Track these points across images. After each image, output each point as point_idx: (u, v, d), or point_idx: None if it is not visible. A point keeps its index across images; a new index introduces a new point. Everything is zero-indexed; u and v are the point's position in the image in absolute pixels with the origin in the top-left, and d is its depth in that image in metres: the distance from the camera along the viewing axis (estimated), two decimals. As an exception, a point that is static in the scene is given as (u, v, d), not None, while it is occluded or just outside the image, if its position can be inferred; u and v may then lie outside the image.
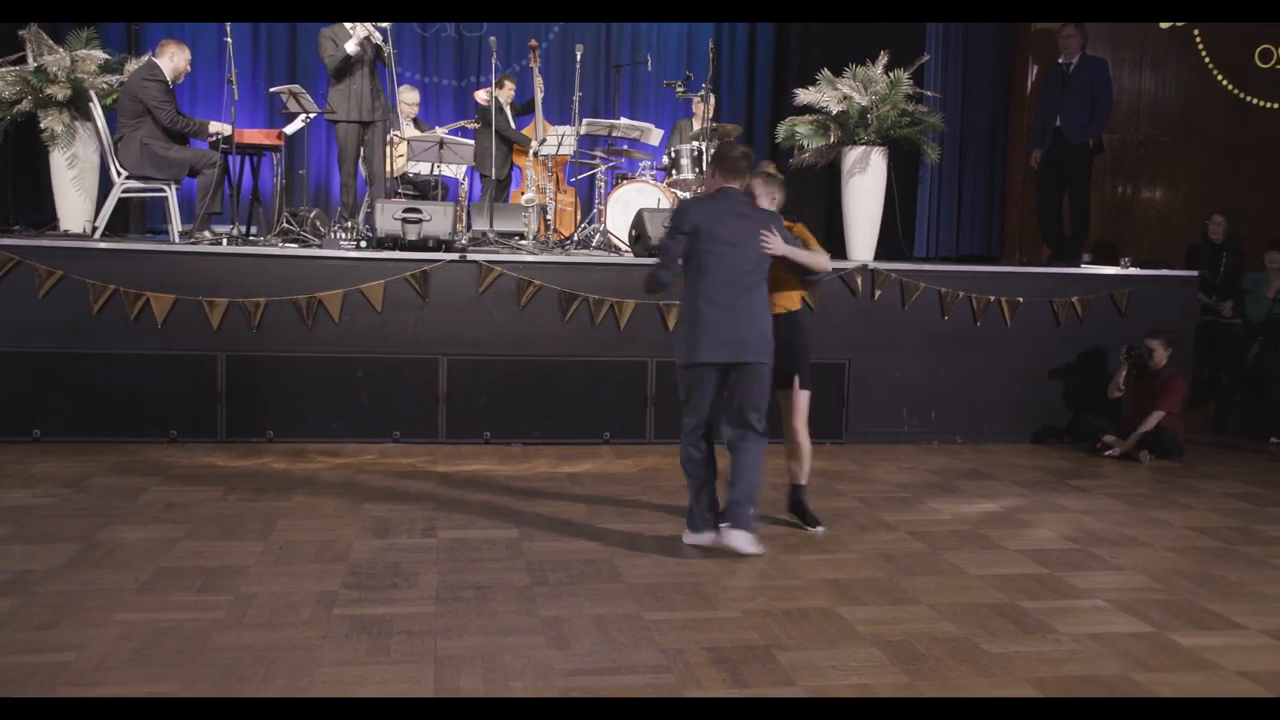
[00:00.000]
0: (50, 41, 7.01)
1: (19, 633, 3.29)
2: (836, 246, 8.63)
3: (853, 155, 7.24)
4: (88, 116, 7.04)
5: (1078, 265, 7.61)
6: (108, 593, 3.65)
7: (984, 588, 4.05)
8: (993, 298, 6.92)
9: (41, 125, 6.99)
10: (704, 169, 8.04)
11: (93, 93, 6.98)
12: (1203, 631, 3.67)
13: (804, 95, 7.27)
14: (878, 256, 7.35)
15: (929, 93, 7.80)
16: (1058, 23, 8.14)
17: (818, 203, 10.45)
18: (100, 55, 7.09)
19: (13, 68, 6.98)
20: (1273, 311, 7.72)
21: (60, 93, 6.88)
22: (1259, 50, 9.06)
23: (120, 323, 5.99)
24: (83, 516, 4.54)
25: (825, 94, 7.15)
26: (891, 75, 7.11)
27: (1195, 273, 7.50)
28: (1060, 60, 7.96)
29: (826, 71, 7.27)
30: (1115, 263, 7.66)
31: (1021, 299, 6.96)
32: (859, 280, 6.78)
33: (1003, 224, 9.96)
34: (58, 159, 7.15)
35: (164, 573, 3.88)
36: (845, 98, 7.08)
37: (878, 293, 6.81)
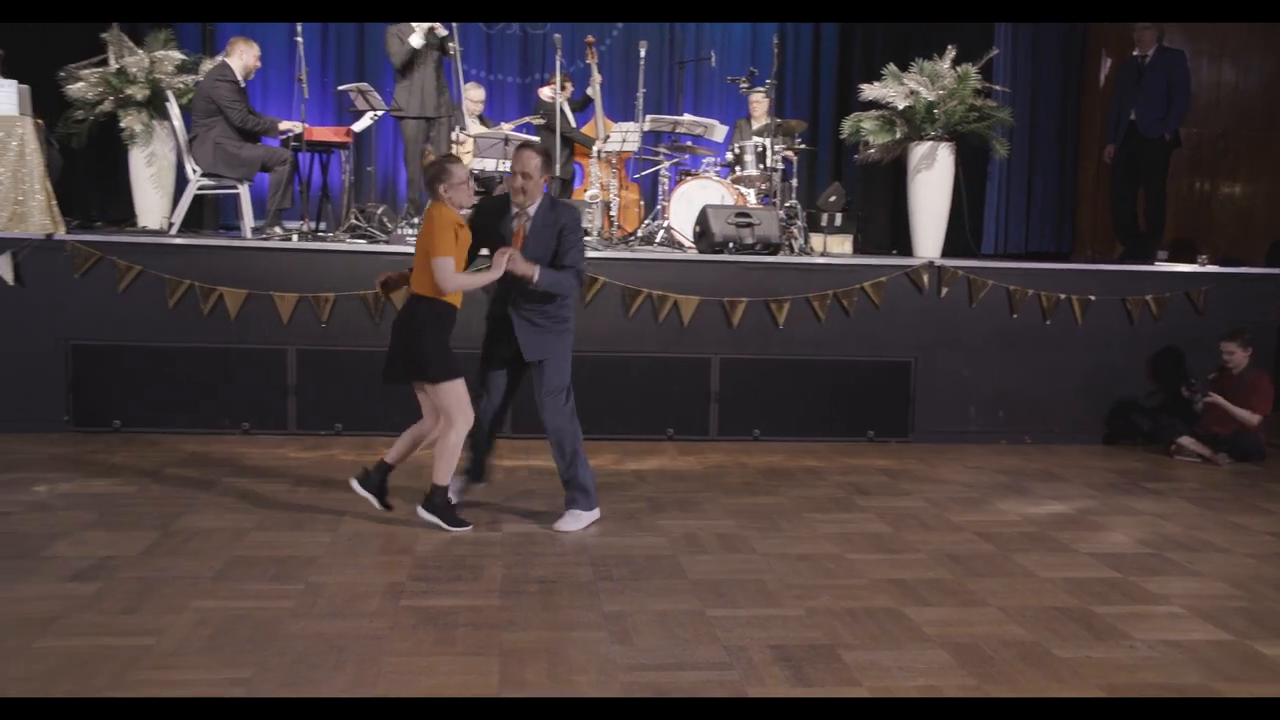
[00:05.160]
0: (130, 43, 7.21)
1: (103, 616, 3.39)
2: (902, 243, 8.56)
3: (919, 151, 7.15)
4: (165, 116, 7.23)
5: (1153, 262, 7.43)
6: (185, 580, 3.75)
7: (1054, 591, 3.97)
8: (1063, 295, 6.78)
9: (121, 125, 7.20)
10: (768, 165, 8.00)
11: (170, 92, 7.16)
12: (1284, 640, 3.56)
13: (869, 90, 7.20)
14: (944, 254, 7.26)
15: (998, 87, 7.68)
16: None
17: (883, 199, 10.35)
18: (177, 56, 7.28)
19: (95, 69, 7.19)
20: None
21: (139, 93, 7.08)
22: (1345, 40, 8.78)
23: (195, 317, 6.13)
24: (161, 505, 4.67)
25: (891, 89, 7.07)
26: (959, 70, 7.01)
27: (1277, 270, 7.27)
28: (1135, 53, 7.79)
29: (892, 66, 7.20)
30: (1192, 260, 7.47)
31: (1093, 297, 6.82)
32: (925, 278, 6.69)
33: (1074, 220, 9.76)
34: (137, 157, 7.35)
35: (237, 561, 3.97)
36: (911, 93, 7.00)
37: (944, 290, 6.71)
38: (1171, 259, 7.90)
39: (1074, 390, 6.85)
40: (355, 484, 4.61)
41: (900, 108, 7.04)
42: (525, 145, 4.50)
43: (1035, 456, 6.46)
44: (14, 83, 6.33)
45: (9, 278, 5.95)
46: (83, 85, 7.14)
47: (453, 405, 4.39)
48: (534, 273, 4.36)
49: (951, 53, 7.09)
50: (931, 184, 7.17)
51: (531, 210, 4.48)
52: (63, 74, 7.25)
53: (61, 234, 6.17)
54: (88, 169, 8.66)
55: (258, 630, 3.32)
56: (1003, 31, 9.55)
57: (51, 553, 3.98)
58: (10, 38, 7.46)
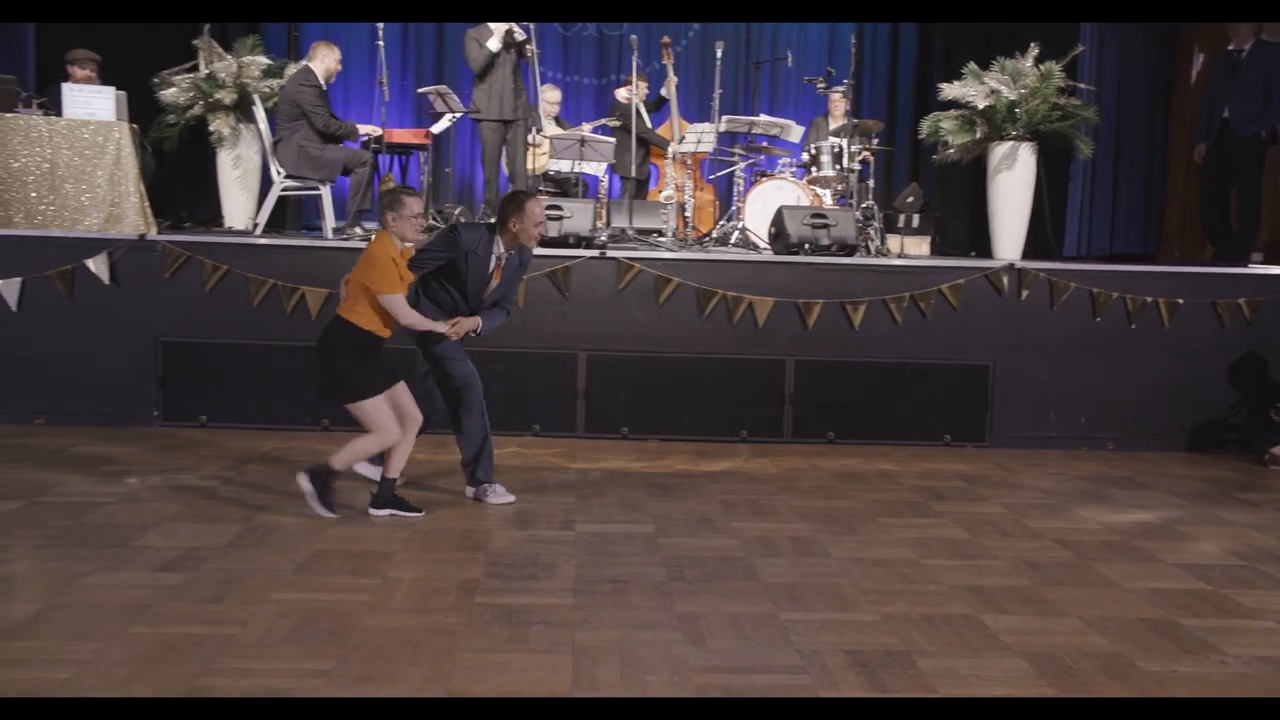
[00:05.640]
0: (220, 49, 7.42)
1: (191, 605, 3.50)
2: (981, 245, 8.42)
3: (1000, 151, 7.03)
4: (251, 119, 7.42)
5: (1245, 264, 7.19)
6: (267, 572, 3.84)
7: (1138, 602, 3.87)
8: (1149, 298, 6.60)
9: (210, 128, 7.41)
10: (845, 165, 7.93)
11: (256, 96, 7.36)
12: (1384, 658, 3.42)
13: (949, 90, 7.10)
14: (1025, 255, 7.12)
15: (1083, 85, 7.51)
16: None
17: (962, 200, 10.19)
18: (263, 61, 7.48)
19: (187, 75, 7.41)
20: None
21: (227, 97, 7.28)
22: None
23: (278, 315, 6.28)
24: (244, 499, 4.80)
25: (971, 88, 6.97)
26: (1042, 68, 6.87)
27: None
28: (1231, 47, 7.52)
29: (973, 65, 7.09)
30: (1288, 262, 7.21)
31: (1181, 300, 6.62)
32: (1005, 280, 6.57)
33: (1161, 221, 9.49)
34: (224, 160, 7.57)
35: (317, 555, 4.05)
36: (992, 92, 6.89)
37: (1024, 293, 6.58)
38: (1267, 261, 7.64)
39: (1160, 396, 6.66)
40: (373, 511, 4.62)
41: (980, 107, 6.94)
42: (534, 196, 4.78)
43: (1118, 463, 6.29)
44: (112, 89, 6.57)
45: (105, 277, 6.16)
46: (175, 90, 7.37)
47: (370, 423, 4.46)
48: (479, 326, 4.71)
49: (1034, 50, 6.96)
50: (1012, 184, 7.05)
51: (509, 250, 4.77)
52: (156, 80, 7.49)
53: (153, 234, 6.38)
54: (178, 171, 8.94)
55: (337, 623, 3.39)
56: (1089, 27, 9.33)
57: (142, 542, 4.12)
58: (107, 45, 7.75)
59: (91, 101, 6.48)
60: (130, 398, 6.26)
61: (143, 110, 7.36)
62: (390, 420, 4.49)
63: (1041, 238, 7.60)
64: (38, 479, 5.02)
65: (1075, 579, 4.11)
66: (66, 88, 6.60)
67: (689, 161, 8.53)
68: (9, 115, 6.35)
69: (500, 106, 7.62)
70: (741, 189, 8.20)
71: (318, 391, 4.62)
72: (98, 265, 6.16)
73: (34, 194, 6.30)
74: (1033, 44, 7.00)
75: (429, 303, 4.74)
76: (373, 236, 4.63)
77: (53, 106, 6.64)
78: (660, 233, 7.64)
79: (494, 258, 4.73)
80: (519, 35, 7.51)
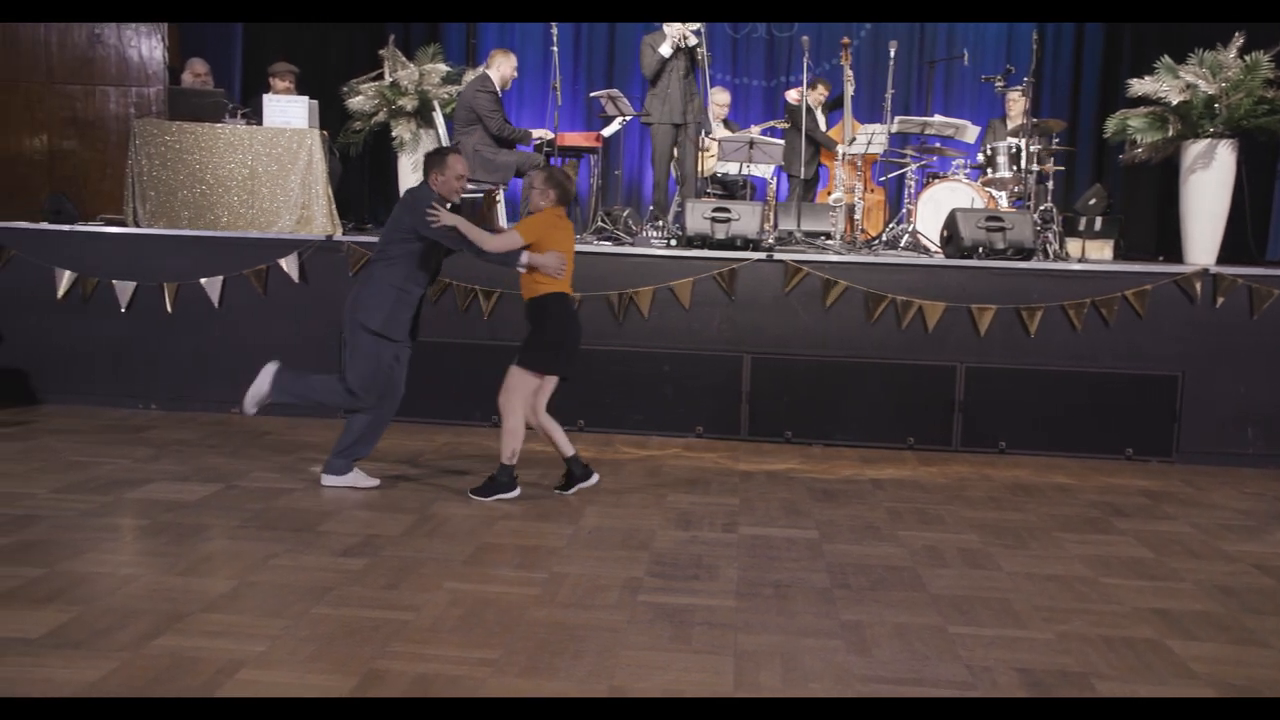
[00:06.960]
0: (403, 58, 7.76)
1: (369, 590, 3.67)
2: (1168, 248, 7.95)
3: (1195, 149, 6.61)
4: (431, 124, 7.73)
5: None
6: (439, 561, 3.99)
7: (1348, 636, 3.58)
8: (1365, 308, 6.09)
9: (393, 134, 7.75)
10: (1022, 166, 7.64)
11: (435, 103, 7.65)
12: None
13: (1139, 86, 6.72)
14: (1220, 260, 6.67)
15: (1294, 76, 6.97)
16: None
17: (1149, 202, 9.67)
18: (443, 68, 7.77)
19: (372, 83, 7.78)
20: None
21: (409, 104, 7.60)
22: None
23: (453, 313, 6.52)
24: (418, 491, 5.00)
25: (1164, 83, 6.58)
26: (1248, 59, 6.42)
27: None
28: None
29: (1167, 59, 6.68)
30: None
31: (1402, 310, 6.08)
32: (1197, 286, 6.19)
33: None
34: (405, 164, 7.89)
35: (486, 548, 4.18)
36: (1188, 86, 6.48)
37: (1220, 300, 6.18)
38: None
39: (1375, 414, 6.13)
40: (564, 492, 5.00)
41: (1174, 103, 6.53)
42: (455, 151, 5.09)
43: (1326, 485, 5.83)
44: (305, 99, 6.97)
45: (295, 275, 6.54)
46: (361, 98, 7.75)
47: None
48: None
49: (1239, 40, 6.51)
50: (1208, 185, 6.61)
51: None
52: (345, 89, 7.89)
53: (339, 235, 6.73)
54: (362, 175, 9.39)
55: (504, 614, 3.49)
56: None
57: (326, 528, 4.35)
58: (305, 58, 8.23)
59: (288, 110, 6.89)
60: (316, 390, 6.60)
61: (332, 117, 7.77)
62: None
63: (1240, 241, 7.11)
64: (234, 465, 5.37)
65: (1277, 608, 3.83)
66: (267, 98, 7.04)
67: (859, 163, 8.38)
68: (218, 125, 6.82)
69: (671, 110, 7.68)
70: (912, 191, 8.01)
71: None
72: (289, 264, 6.54)
73: (236, 198, 6.74)
74: (1237, 33, 6.54)
75: (417, 277, 5.08)
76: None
77: (255, 116, 7.09)
78: (828, 235, 7.54)
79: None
80: (691, 40, 7.56)
